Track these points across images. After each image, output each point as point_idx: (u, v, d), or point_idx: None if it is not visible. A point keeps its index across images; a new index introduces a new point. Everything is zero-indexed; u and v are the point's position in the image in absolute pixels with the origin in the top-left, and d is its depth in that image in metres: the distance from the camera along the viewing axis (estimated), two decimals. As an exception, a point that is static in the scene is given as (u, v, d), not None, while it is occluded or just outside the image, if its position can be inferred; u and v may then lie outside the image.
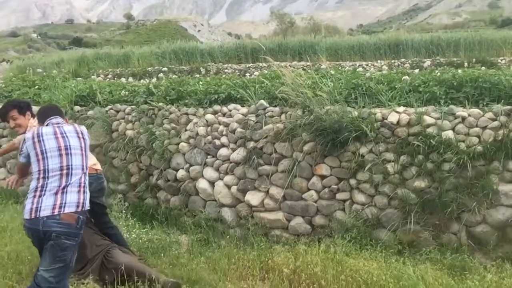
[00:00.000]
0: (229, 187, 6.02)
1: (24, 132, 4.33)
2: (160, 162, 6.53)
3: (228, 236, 5.55)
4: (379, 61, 19.04)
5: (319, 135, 5.35)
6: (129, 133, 6.84)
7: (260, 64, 19.10)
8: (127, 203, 6.17)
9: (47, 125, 3.35)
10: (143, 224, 5.80)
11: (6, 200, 6.98)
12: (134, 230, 5.26)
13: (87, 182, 3.28)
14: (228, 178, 6.03)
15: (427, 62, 17.28)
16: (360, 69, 11.01)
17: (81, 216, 3.12)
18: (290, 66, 13.08)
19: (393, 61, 18.88)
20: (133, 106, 7.03)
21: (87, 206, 3.21)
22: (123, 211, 5.72)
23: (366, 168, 5.18)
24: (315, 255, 4.49)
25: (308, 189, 5.56)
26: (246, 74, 14.45)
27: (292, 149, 5.67)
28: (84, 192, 3.21)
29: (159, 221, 6.08)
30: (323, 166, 5.48)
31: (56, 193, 3.07)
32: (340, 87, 5.91)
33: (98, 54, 21.88)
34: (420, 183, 5.03)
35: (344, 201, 5.42)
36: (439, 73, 6.60)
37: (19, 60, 26.11)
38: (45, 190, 3.07)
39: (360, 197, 5.30)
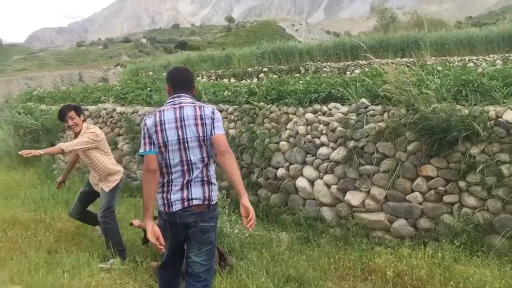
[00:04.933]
0: (328, 186, 5.99)
1: (79, 132, 5.03)
2: (260, 160, 6.69)
3: (327, 235, 5.54)
4: (491, 55, 17.71)
5: (425, 134, 5.11)
6: (232, 132, 7.09)
7: (360, 62, 18.74)
8: (229, 199, 6.39)
9: (169, 103, 3.23)
10: (245, 219, 5.98)
11: (122, 193, 7.61)
12: (236, 225, 5.45)
13: (211, 173, 3.24)
14: (328, 177, 6.00)
15: (549, 55, 15.70)
16: (471, 64, 10.29)
17: (211, 204, 3.18)
18: (392, 63, 12.64)
19: (507, 55, 17.45)
20: (235, 106, 7.28)
21: (215, 198, 3.22)
22: (226, 207, 5.95)
23: (478, 169, 4.84)
24: (420, 259, 4.32)
25: (412, 191, 5.34)
26: (347, 73, 14.22)
27: (395, 148, 5.48)
28: (209, 183, 3.19)
29: (260, 218, 6.22)
30: (428, 166, 5.23)
31: (181, 189, 3.12)
32: (448, 84, 5.59)
33: (201, 56, 23.00)
34: (541, 187, 4.60)
35: (452, 204, 5.11)
36: None
37: (131, 64, 28.29)
38: (172, 186, 3.13)
39: (470, 200, 4.98)
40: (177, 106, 3.18)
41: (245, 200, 3.05)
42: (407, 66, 7.34)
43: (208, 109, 3.20)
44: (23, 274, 4.39)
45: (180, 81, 3.34)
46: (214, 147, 3.18)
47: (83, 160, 5.23)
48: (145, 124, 3.19)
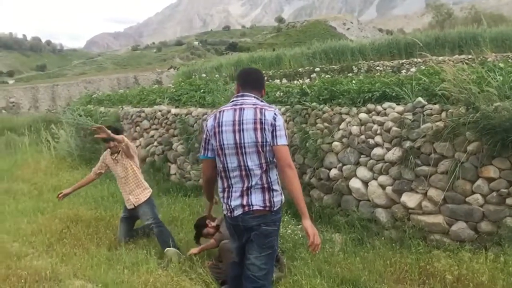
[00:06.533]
0: (383, 187, 5.87)
1: (119, 151, 5.58)
2: (313, 161, 6.65)
3: (382, 238, 5.43)
4: (557, 50, 16.70)
5: (486, 134, 4.90)
6: (284, 132, 7.08)
7: (415, 60, 18.19)
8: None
9: (232, 102, 3.15)
10: (297, 220, 5.98)
11: (176, 193, 7.82)
12: (289, 226, 5.47)
13: (273, 179, 3.06)
14: (383, 178, 5.88)
15: None
16: (535, 60, 9.79)
17: (273, 210, 3.07)
18: (450, 61, 12.20)
19: None
20: (287, 107, 7.27)
21: (277, 204, 3.08)
22: (279, 207, 5.96)
23: (544, 171, 4.60)
24: (482, 263, 4.16)
25: (473, 192, 5.13)
26: (402, 71, 13.85)
27: (454, 149, 5.29)
28: (269, 190, 3.03)
29: (313, 219, 6.18)
30: (490, 168, 5.01)
31: (241, 196, 3.03)
32: (511, 81, 5.34)
33: (252, 57, 23.12)
34: None
35: (516, 207, 4.88)
36: None
37: (184, 66, 28.93)
38: (232, 192, 3.07)
39: (536, 204, 4.73)
40: (237, 107, 3.07)
41: (306, 221, 2.93)
42: (466, 64, 7.06)
43: (270, 113, 3.02)
44: (86, 270, 4.60)
45: (248, 80, 3.22)
46: (275, 159, 3.03)
47: (116, 171, 5.68)
48: (206, 125, 3.18)
